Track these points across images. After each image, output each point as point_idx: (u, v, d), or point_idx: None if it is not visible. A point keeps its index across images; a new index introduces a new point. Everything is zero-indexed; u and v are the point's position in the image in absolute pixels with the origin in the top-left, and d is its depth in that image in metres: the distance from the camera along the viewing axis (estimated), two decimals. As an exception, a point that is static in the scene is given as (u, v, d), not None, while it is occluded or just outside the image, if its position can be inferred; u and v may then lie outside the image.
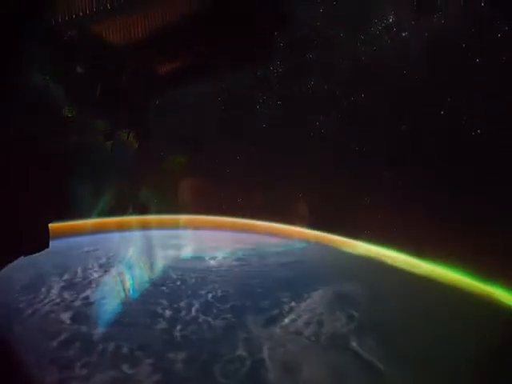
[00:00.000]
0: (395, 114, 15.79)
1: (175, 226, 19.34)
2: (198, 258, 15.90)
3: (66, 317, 9.94)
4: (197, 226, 19.76)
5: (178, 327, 9.75)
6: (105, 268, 13.69)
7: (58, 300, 10.90)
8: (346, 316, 10.81)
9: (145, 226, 18.09)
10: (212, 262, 15.76)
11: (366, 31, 15.47)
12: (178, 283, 13.05)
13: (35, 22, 2.37)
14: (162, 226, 18.74)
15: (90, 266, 13.81)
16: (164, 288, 12.53)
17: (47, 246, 2.39)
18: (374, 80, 16.08)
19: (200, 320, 10.22)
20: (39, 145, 2.52)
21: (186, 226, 19.43)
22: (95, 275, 13.08)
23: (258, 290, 12.57)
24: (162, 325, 9.88)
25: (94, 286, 12.20)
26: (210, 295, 12.03)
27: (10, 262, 2.17)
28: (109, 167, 3.94)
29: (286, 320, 10.50)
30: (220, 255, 16.40)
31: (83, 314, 10.22)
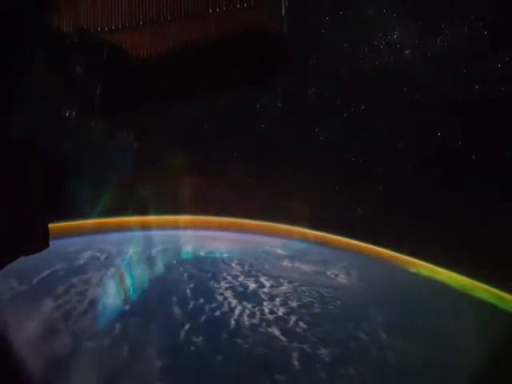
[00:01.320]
0: (393, 128, 15.98)
1: (175, 226, 19.35)
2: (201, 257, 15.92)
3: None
4: (197, 226, 19.76)
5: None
6: (105, 268, 13.69)
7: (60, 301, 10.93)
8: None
9: (145, 226, 18.10)
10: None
11: (369, 44, 15.66)
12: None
13: (35, 22, 2.37)
14: (162, 226, 18.74)
15: (91, 266, 13.83)
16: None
17: (47, 245, 2.39)
18: (372, 92, 16.30)
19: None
20: (39, 145, 2.52)
21: (186, 226, 19.44)
22: (96, 275, 13.09)
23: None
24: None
25: (94, 286, 12.21)
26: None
27: (10, 261, 2.17)
28: (109, 167, 3.94)
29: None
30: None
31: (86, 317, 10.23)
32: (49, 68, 2.56)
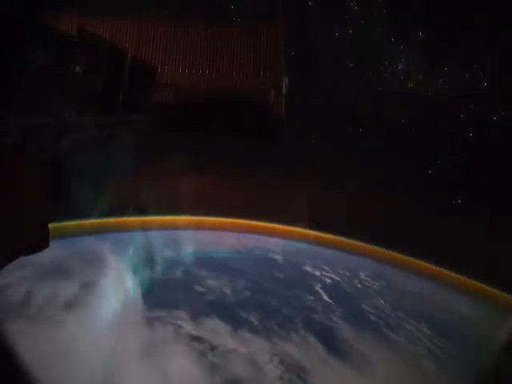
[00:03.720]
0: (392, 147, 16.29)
1: (175, 226, 19.34)
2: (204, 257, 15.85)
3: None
4: (198, 227, 19.75)
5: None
6: (105, 268, 13.67)
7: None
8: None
9: (145, 226, 18.10)
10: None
11: (374, 70, 15.95)
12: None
13: (35, 22, 2.37)
14: (162, 226, 18.74)
15: (92, 266, 13.80)
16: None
17: (47, 245, 2.39)
18: (370, 116, 16.63)
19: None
20: (39, 144, 2.52)
21: (186, 227, 19.42)
22: (96, 275, 13.06)
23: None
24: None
25: (96, 287, 12.17)
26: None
27: (10, 261, 2.17)
28: (109, 167, 3.94)
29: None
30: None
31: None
32: (49, 68, 2.56)
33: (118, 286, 12.38)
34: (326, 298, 13.56)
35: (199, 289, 12.61)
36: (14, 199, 2.16)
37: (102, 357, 8.51)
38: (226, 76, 3.53)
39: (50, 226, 2.45)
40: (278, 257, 17.08)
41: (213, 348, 9.50)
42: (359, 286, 15.43)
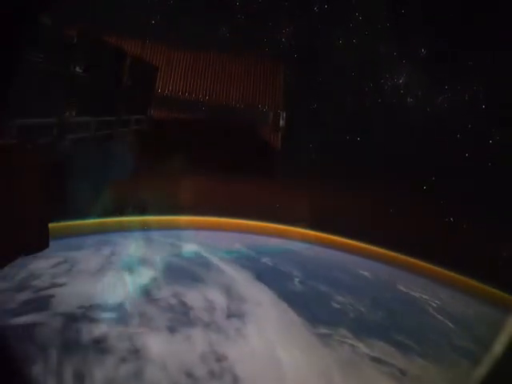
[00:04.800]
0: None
1: (175, 226, 19.32)
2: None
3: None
4: (198, 227, 19.73)
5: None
6: (105, 268, 13.65)
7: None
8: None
9: (145, 226, 18.08)
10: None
11: (374, 82, 16.16)
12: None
13: (37, 24, 2.37)
14: (162, 226, 18.72)
15: (92, 266, 13.78)
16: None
17: (47, 245, 2.40)
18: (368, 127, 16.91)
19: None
20: (40, 146, 2.52)
21: (186, 227, 19.40)
22: (96, 276, 13.04)
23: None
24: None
25: (97, 287, 12.11)
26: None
27: (11, 261, 2.17)
28: (109, 167, 3.94)
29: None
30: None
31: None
32: (49, 68, 2.56)
33: (118, 286, 12.36)
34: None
35: (335, 304, 12.24)
36: (14, 199, 2.16)
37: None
38: (226, 105, 3.68)
39: (50, 225, 2.46)
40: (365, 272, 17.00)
41: (403, 372, 9.06)
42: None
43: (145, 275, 13.25)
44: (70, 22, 2.67)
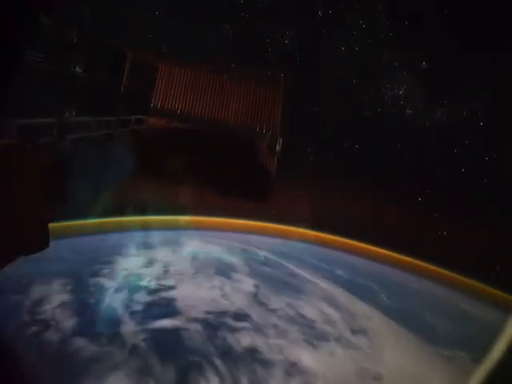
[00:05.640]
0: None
1: (176, 226, 19.32)
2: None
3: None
4: (198, 227, 19.74)
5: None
6: (105, 268, 13.65)
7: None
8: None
9: (145, 226, 18.08)
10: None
11: (374, 91, 16.24)
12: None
13: (37, 24, 2.37)
14: (162, 226, 18.72)
15: (91, 266, 13.76)
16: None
17: (47, 245, 2.40)
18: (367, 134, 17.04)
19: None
20: (40, 146, 2.52)
21: (187, 227, 19.40)
22: (96, 275, 13.03)
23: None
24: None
25: (96, 287, 12.08)
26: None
27: (11, 261, 2.17)
28: (109, 167, 3.94)
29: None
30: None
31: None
32: (49, 68, 2.56)
33: (118, 285, 12.34)
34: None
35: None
36: (14, 199, 2.16)
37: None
38: (223, 124, 3.77)
39: (50, 225, 2.46)
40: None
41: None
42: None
43: (246, 282, 12.80)
44: (69, 21, 2.66)
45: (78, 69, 2.80)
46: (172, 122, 4.02)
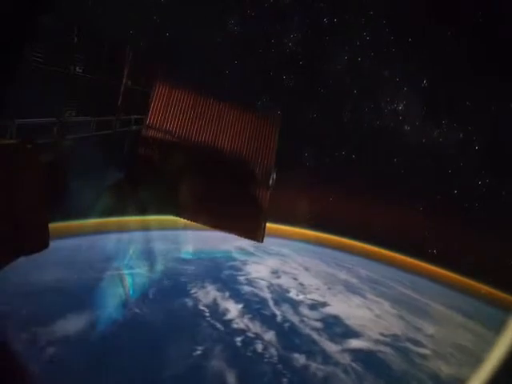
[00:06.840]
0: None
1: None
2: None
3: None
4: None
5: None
6: (105, 268, 13.62)
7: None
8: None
9: (145, 227, 18.03)
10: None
11: (374, 103, 16.42)
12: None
13: (37, 24, 2.37)
14: (162, 226, 18.66)
15: (91, 267, 13.72)
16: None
17: (47, 245, 2.39)
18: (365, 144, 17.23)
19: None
20: (40, 146, 2.52)
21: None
22: (95, 276, 13.00)
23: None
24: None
25: (95, 287, 12.03)
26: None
27: (10, 261, 2.17)
28: (109, 167, 3.93)
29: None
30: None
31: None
32: (49, 68, 2.56)
33: (117, 285, 12.30)
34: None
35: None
36: (14, 199, 2.15)
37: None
38: (218, 153, 3.87)
39: (50, 226, 2.45)
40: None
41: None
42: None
43: (385, 304, 12.36)
44: (69, 22, 2.66)
45: (77, 69, 2.79)
46: (168, 138, 4.14)
